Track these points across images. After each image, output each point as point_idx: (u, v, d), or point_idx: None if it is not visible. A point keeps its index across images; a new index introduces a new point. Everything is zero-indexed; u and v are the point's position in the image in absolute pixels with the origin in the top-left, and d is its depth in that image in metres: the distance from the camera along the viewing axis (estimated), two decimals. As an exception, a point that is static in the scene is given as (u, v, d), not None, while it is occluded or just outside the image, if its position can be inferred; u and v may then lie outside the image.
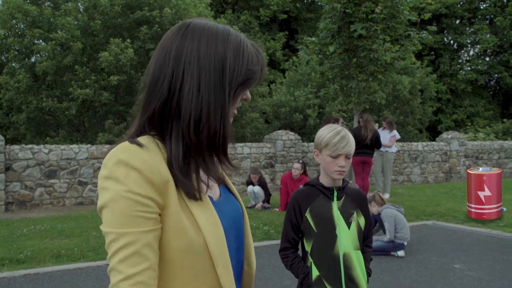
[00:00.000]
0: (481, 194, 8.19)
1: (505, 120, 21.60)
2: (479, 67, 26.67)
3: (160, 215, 0.88)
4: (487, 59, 28.21)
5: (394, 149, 8.94)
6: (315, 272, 1.88)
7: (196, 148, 0.95)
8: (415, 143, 12.36)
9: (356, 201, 1.97)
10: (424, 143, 12.57)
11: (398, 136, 8.91)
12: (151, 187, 0.87)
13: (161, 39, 1.01)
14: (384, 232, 5.30)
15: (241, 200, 1.13)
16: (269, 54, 21.86)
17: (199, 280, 0.92)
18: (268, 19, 23.71)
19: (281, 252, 2.01)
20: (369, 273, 1.95)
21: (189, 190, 0.92)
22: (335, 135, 1.88)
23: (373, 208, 5.52)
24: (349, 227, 1.90)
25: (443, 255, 5.34)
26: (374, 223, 5.77)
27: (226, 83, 0.95)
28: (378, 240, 5.31)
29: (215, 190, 1.04)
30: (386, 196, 8.39)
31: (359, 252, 1.91)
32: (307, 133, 15.30)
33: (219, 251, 0.92)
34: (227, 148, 1.00)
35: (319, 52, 8.76)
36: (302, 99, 15.17)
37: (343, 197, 1.94)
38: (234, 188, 1.13)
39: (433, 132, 23.86)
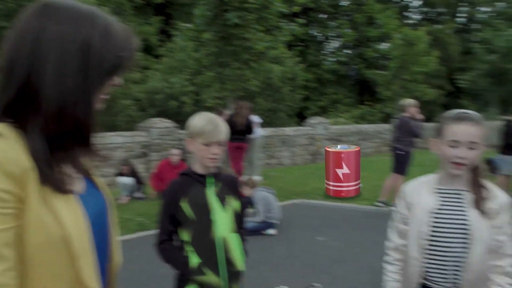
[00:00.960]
0: (340, 171, 9.12)
1: (361, 106, 24.35)
2: (341, 58, 29.54)
3: (19, 209, 0.81)
4: (348, 51, 31.32)
5: (260, 133, 9.16)
6: (194, 260, 1.88)
7: (59, 139, 0.88)
8: (285, 128, 13.20)
9: (230, 186, 2.02)
10: (293, 128, 13.50)
11: (258, 120, 9.11)
12: (8, 179, 0.79)
13: (17, 18, 0.90)
14: (257, 213, 5.59)
15: (110, 193, 1.08)
16: (143, 39, 21.00)
17: (60, 277, 0.87)
18: (143, 2, 22.68)
19: (159, 245, 1.97)
20: (245, 254, 2.04)
21: (52, 183, 0.85)
22: (208, 123, 1.89)
23: (246, 191, 5.78)
24: (224, 212, 1.94)
25: (309, 230, 5.86)
26: (247, 205, 6.05)
27: (91, 68, 0.88)
28: (251, 221, 5.59)
29: (79, 183, 0.98)
30: (258, 179, 8.78)
31: (236, 235, 1.97)
32: (183, 120, 15.17)
33: (82, 246, 0.88)
34: (93, 138, 0.94)
35: (195, 39, 8.73)
36: (178, 86, 14.97)
37: (217, 183, 1.97)
38: (101, 181, 1.07)
39: (301, 118, 25.77)
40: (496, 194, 1.70)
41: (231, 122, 7.84)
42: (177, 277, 1.98)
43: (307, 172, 10.94)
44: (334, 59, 30.37)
